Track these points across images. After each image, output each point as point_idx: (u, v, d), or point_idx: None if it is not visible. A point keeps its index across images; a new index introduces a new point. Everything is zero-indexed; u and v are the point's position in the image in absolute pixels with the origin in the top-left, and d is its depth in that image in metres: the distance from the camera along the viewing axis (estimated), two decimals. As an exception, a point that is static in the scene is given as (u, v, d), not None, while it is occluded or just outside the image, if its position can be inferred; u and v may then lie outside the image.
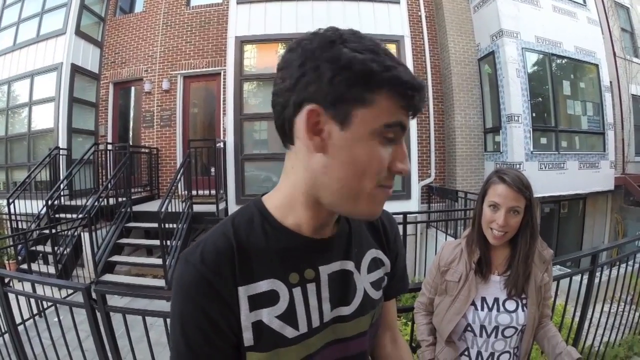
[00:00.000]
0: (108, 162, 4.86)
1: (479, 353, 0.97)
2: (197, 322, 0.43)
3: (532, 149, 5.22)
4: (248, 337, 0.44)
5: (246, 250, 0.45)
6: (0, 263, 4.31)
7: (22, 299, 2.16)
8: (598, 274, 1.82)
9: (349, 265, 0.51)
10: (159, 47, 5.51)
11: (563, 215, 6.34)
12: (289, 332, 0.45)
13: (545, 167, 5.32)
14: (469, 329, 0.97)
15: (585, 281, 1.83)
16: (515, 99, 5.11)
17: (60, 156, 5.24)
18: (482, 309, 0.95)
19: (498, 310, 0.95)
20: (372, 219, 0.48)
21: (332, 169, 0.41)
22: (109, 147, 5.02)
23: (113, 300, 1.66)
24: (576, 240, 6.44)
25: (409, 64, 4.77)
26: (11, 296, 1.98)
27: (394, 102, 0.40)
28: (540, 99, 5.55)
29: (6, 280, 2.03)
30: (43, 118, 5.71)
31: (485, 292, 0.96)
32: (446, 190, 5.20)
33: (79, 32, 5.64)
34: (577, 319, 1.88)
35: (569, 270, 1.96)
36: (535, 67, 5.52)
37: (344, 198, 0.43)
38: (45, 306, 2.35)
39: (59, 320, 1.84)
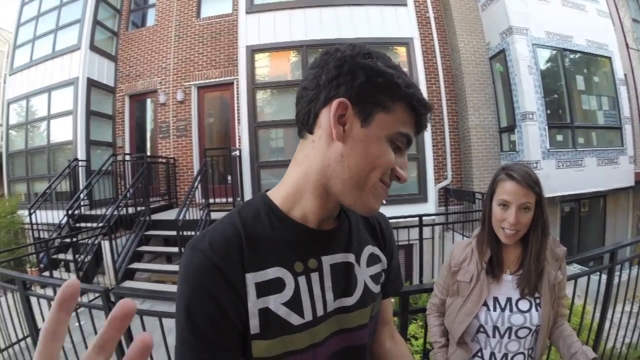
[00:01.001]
0: (126, 172, 4.96)
1: (492, 354, 0.94)
2: (204, 308, 0.43)
3: (548, 147, 5.13)
4: (254, 324, 0.45)
5: (254, 240, 0.46)
6: (23, 270, 4.43)
7: (44, 306, 2.25)
8: (618, 272, 1.76)
9: (350, 258, 0.53)
10: (172, 59, 5.63)
11: (584, 214, 6.19)
12: (295, 319, 0.46)
13: (563, 165, 5.22)
14: (481, 330, 0.95)
15: (604, 279, 1.76)
16: (529, 96, 5.04)
17: (80, 167, 5.39)
18: (495, 310, 0.93)
19: (511, 310, 0.92)
20: (370, 214, 0.50)
21: (347, 158, 0.45)
22: (127, 157, 5.11)
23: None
24: (598, 239, 6.28)
25: (420, 65, 4.76)
26: (33, 302, 2.03)
27: (408, 116, 0.46)
28: (554, 95, 5.47)
29: (28, 284, 2.08)
30: (61, 131, 5.88)
31: (498, 292, 0.94)
32: (463, 192, 5.14)
33: (93, 47, 5.81)
34: (597, 319, 1.81)
35: (587, 269, 1.89)
36: (547, 63, 5.44)
37: (351, 187, 0.46)
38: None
39: (80, 325, 1.87)
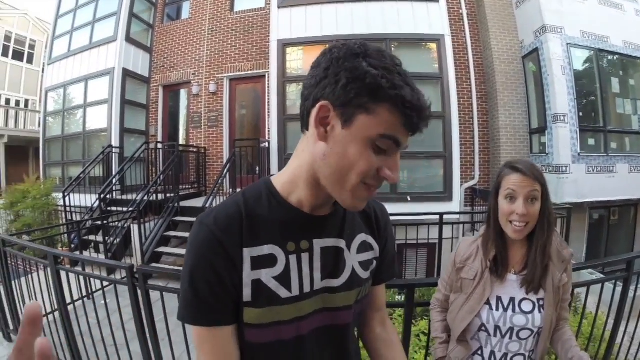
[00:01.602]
0: (158, 160, 5.14)
1: (492, 353, 0.94)
2: (205, 275, 0.49)
3: (579, 151, 5.00)
4: (247, 293, 0.51)
5: (253, 218, 0.52)
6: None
7: (73, 282, 2.36)
8: (635, 283, 1.67)
9: (341, 244, 0.57)
10: (205, 52, 5.78)
11: (613, 222, 5.98)
12: (283, 292, 0.52)
13: (593, 170, 5.06)
14: (483, 328, 0.94)
15: (619, 289, 1.68)
16: (561, 97, 4.92)
17: (113, 154, 5.62)
18: (497, 309, 0.92)
19: (514, 310, 0.91)
20: (353, 210, 0.54)
21: (329, 157, 0.48)
22: (159, 145, 5.30)
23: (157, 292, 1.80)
24: (627, 249, 6.05)
25: (450, 63, 4.74)
26: (63, 278, 2.17)
27: (395, 118, 0.46)
28: (587, 97, 5.32)
29: (60, 259, 2.23)
30: (97, 119, 6.15)
31: (501, 291, 0.93)
32: (490, 193, 5.06)
33: (129, 39, 6.03)
34: (609, 332, 1.73)
35: (602, 276, 1.83)
36: (582, 64, 5.30)
37: (333, 184, 0.49)
38: (93, 289, 2.53)
39: (105, 303, 2.02)
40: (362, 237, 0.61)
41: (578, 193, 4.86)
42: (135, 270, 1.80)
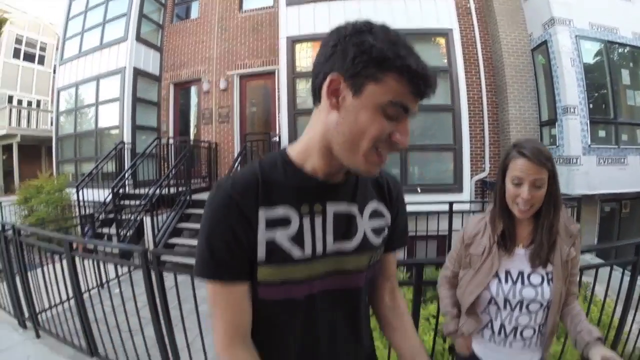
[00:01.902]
0: (170, 155, 5.23)
1: (502, 326, 0.96)
2: (222, 234, 0.53)
3: (589, 143, 4.97)
4: (261, 252, 0.54)
5: (269, 183, 0.55)
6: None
7: (88, 272, 2.44)
8: None
9: (353, 209, 0.60)
10: (215, 50, 5.87)
11: (624, 215, 5.92)
12: (296, 253, 0.55)
13: (604, 162, 5.03)
14: (492, 302, 0.96)
15: (627, 278, 1.67)
16: (571, 89, 4.90)
17: (125, 150, 5.72)
18: (507, 282, 0.94)
19: (523, 283, 0.92)
20: (367, 175, 0.57)
21: (341, 125, 0.51)
22: (171, 141, 5.39)
23: (170, 279, 1.83)
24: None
25: (459, 56, 4.75)
26: (78, 268, 2.23)
27: (402, 86, 0.49)
28: (597, 89, 5.29)
29: (75, 246, 2.28)
30: (109, 116, 6.26)
31: (510, 265, 0.94)
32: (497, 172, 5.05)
33: (139, 39, 6.15)
34: (617, 320, 1.71)
35: (611, 261, 1.79)
36: (591, 56, 5.27)
37: (346, 150, 0.52)
38: (108, 278, 2.56)
39: (120, 291, 2.05)
40: (374, 204, 0.63)
41: (589, 185, 4.83)
42: (149, 252, 1.82)
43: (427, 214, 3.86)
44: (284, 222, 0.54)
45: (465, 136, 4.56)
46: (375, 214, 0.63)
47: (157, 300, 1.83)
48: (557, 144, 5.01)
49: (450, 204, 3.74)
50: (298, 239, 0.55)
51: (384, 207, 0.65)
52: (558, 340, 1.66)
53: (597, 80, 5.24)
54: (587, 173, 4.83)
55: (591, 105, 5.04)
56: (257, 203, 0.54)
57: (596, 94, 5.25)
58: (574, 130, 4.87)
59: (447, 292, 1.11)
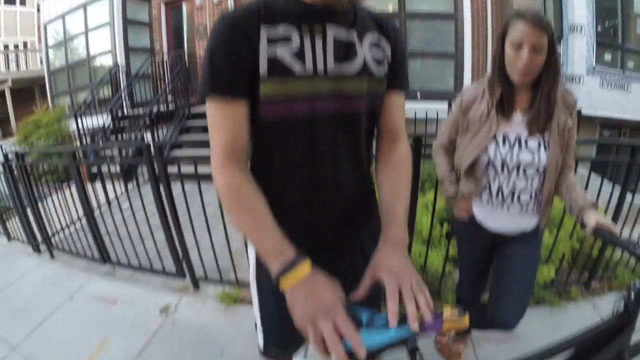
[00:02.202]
0: (165, 73, 5.11)
1: (499, 188, 0.98)
2: (223, 52, 0.53)
3: (594, 64, 4.89)
4: (263, 67, 0.54)
5: (271, 8, 0.56)
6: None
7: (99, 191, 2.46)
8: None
9: (353, 34, 0.60)
10: (207, -39, 5.54)
11: (622, 142, 5.94)
12: (297, 68, 0.55)
13: (607, 86, 4.97)
14: (490, 165, 0.97)
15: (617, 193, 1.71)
16: (579, 8, 4.73)
17: (120, 72, 5.59)
18: (504, 145, 0.95)
19: (520, 147, 0.94)
20: None
21: None
22: (165, 57, 5.25)
23: (177, 188, 1.85)
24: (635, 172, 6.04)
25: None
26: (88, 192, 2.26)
27: None
28: (607, 12, 5.10)
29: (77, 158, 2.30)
30: (100, 42, 6.07)
31: (508, 129, 0.95)
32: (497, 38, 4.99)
33: (127, -41, 5.80)
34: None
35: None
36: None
37: None
38: (116, 195, 2.51)
39: (130, 205, 2.09)
40: (374, 35, 0.63)
41: (590, 105, 4.79)
42: (150, 146, 1.84)
43: (426, 119, 3.85)
44: (285, 39, 0.55)
45: (467, 45, 4.45)
46: (374, 45, 0.63)
47: (163, 193, 1.86)
48: (562, 62, 4.91)
49: (449, 102, 3.72)
50: (299, 54, 0.55)
51: (384, 40, 0.65)
52: (550, 233, 1.71)
53: (607, 3, 5.04)
54: (589, 93, 4.78)
55: (599, 28, 4.88)
56: (259, 22, 0.54)
57: (605, 17, 5.07)
58: (579, 50, 4.77)
59: (443, 159, 1.12)
